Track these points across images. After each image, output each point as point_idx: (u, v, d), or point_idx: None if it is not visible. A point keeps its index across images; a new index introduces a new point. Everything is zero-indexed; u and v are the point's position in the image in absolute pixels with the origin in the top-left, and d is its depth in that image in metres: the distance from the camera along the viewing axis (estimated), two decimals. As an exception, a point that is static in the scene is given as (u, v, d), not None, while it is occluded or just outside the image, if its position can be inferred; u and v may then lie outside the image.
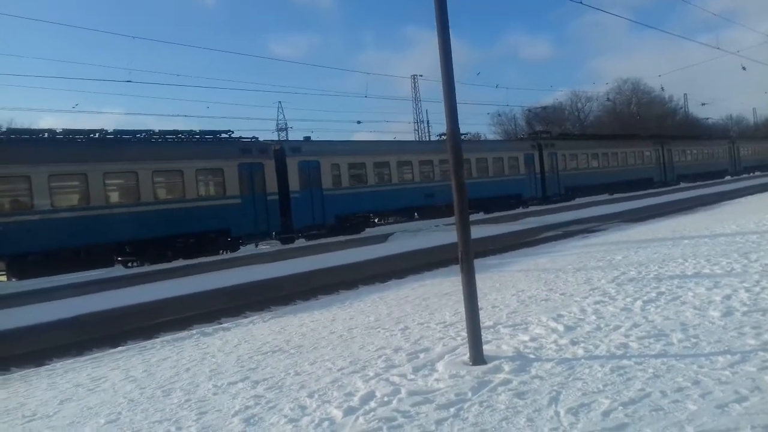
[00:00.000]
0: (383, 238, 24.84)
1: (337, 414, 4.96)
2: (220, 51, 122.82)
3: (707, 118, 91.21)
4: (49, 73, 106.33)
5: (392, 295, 11.40)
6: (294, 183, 25.32)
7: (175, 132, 23.70)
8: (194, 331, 10.26)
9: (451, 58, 6.06)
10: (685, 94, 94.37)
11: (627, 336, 6.30)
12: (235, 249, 23.38)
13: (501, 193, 34.83)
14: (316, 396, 5.51)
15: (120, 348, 9.85)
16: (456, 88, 6.13)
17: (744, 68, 45.00)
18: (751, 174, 63.92)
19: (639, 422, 4.15)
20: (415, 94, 70.79)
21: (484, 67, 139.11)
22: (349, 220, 27.71)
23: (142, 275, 17.89)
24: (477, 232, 13.12)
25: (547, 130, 46.71)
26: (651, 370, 5.15)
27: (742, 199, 29.17)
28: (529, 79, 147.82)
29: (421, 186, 30.81)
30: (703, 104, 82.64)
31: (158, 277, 17.50)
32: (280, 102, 72.19)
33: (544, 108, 47.12)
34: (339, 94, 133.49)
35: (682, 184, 50.62)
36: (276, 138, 66.65)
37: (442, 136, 33.84)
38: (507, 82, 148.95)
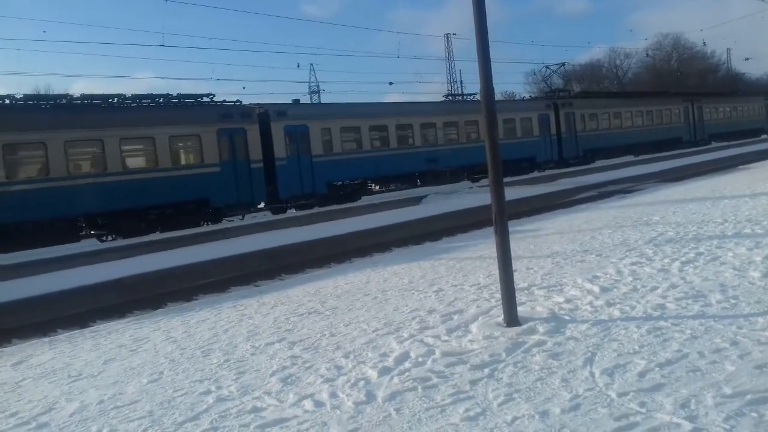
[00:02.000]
0: (417, 200, 24.80)
1: (372, 374, 5.03)
2: (252, 13, 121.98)
3: (743, 73, 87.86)
4: (82, 38, 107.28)
5: (426, 257, 11.43)
6: (280, 149, 23.85)
7: (151, 96, 22.40)
8: (232, 293, 10.46)
9: (485, 16, 5.94)
10: (728, 49, 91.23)
11: (664, 297, 6.23)
12: (217, 221, 22.19)
13: (513, 156, 31.92)
14: (352, 357, 5.59)
15: (160, 310, 10.10)
16: (489, 47, 6.02)
17: (790, 21, 43.36)
18: None
19: (675, 383, 4.12)
20: (449, 54, 69.83)
21: (519, 24, 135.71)
22: (343, 188, 26.43)
23: (172, 240, 18.17)
24: (511, 193, 13.03)
25: (566, 88, 44.08)
26: (688, 331, 5.10)
27: None
28: (566, 35, 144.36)
29: (423, 150, 29.22)
30: (746, 59, 79.64)
31: (191, 242, 17.78)
32: (311, 64, 71.69)
33: (561, 66, 44.00)
34: (371, 55, 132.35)
35: (714, 144, 48.43)
36: (309, 100, 66.61)
37: (449, 97, 33.41)
38: (543, 39, 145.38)
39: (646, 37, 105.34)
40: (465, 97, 33.65)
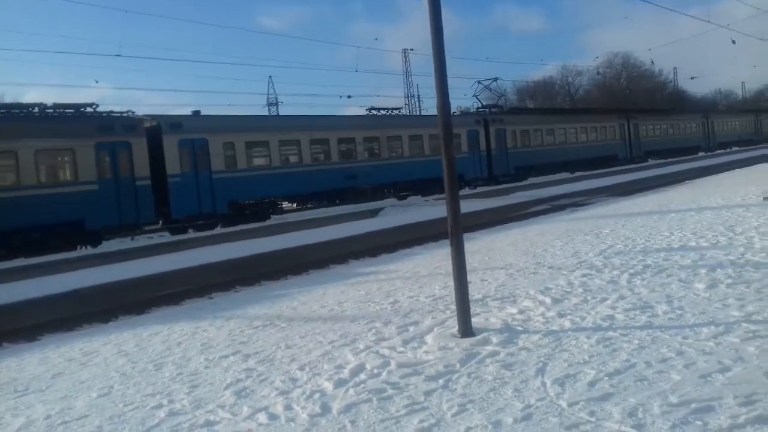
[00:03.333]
0: (374, 213, 24.86)
1: (327, 386, 5.03)
2: (211, 25, 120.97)
3: (685, 91, 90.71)
4: (39, 47, 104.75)
5: (382, 269, 11.47)
6: (173, 165, 21.78)
7: (19, 105, 20.50)
8: (186, 306, 10.31)
9: (442, 32, 6.04)
10: (674, 68, 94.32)
11: (613, 308, 6.39)
12: (96, 243, 19.86)
13: (438, 174, 30.99)
14: (307, 369, 5.58)
15: (111, 323, 9.88)
16: (446, 63, 6.13)
17: (734, 42, 45.19)
18: (728, 150, 60.54)
19: (624, 392, 4.23)
20: (406, 69, 70.57)
21: (474, 40, 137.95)
22: (249, 206, 24.48)
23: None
24: (466, 206, 13.18)
25: (497, 104, 42.21)
26: (636, 342, 5.25)
27: (720, 176, 28.48)
28: (520, 53, 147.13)
29: (341, 167, 27.44)
30: (692, 78, 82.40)
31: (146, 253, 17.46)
32: (270, 76, 71.54)
33: (493, 81, 42.33)
34: (330, 69, 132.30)
35: (651, 161, 48.29)
36: (268, 112, 66.08)
37: (372, 111, 31.74)
38: (498, 56, 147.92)
39: (597, 56, 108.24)
40: (390, 111, 32.41)
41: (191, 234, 22.10)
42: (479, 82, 42.44)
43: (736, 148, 61.46)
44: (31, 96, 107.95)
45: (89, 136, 19.85)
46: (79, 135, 19.71)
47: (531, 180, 36.23)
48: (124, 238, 20.90)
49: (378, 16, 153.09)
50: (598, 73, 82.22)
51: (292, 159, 26.22)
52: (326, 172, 26.93)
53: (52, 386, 6.12)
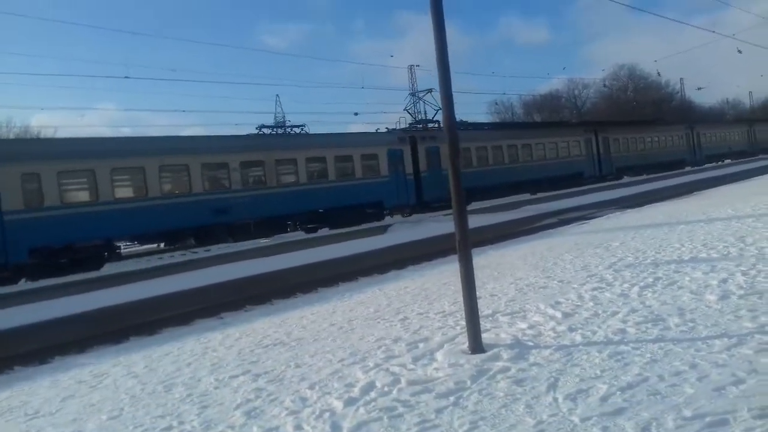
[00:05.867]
0: (383, 230, 24.86)
1: (337, 405, 5.00)
2: (216, 45, 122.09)
3: (692, 102, 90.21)
4: (47, 70, 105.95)
5: (391, 286, 11.44)
6: None
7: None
8: (196, 326, 10.31)
9: (446, 47, 6.07)
10: (681, 79, 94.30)
11: (624, 321, 6.34)
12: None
13: (348, 201, 26.77)
14: (317, 388, 5.55)
15: (122, 344, 9.89)
16: (452, 77, 6.15)
17: (740, 51, 45.04)
18: (718, 163, 56.66)
19: (636, 406, 4.19)
20: (412, 85, 70.74)
21: (479, 54, 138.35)
22: (66, 253, 19.38)
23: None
24: (474, 221, 13.16)
25: (432, 119, 36.47)
26: (648, 355, 5.19)
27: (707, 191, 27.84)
28: (526, 66, 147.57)
29: (207, 198, 22.65)
30: (699, 89, 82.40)
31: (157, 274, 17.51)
32: (277, 95, 71.87)
33: (428, 92, 37.44)
34: (335, 86, 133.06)
35: (626, 179, 43.80)
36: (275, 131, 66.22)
37: (262, 129, 28.32)
38: (503, 70, 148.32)
39: (603, 68, 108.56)
40: (289, 130, 28.79)
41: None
42: (412, 94, 38.34)
43: (729, 161, 58.14)
44: (39, 119, 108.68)
45: None
46: None
47: (476, 204, 31.25)
48: None
49: (379, 33, 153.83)
50: (604, 85, 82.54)
51: (133, 191, 21.22)
52: (184, 205, 22.02)
53: (63, 409, 6.12)
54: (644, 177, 44.18)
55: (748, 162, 53.91)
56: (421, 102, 37.87)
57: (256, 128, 28.43)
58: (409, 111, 37.17)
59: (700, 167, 51.97)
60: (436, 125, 34.92)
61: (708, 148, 57.78)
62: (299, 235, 25.57)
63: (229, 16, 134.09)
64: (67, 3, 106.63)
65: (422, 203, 30.58)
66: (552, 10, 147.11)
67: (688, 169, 51.23)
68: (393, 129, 34.47)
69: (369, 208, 27.80)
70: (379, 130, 33.52)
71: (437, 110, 37.23)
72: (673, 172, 46.78)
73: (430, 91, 37.57)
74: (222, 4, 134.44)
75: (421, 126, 34.39)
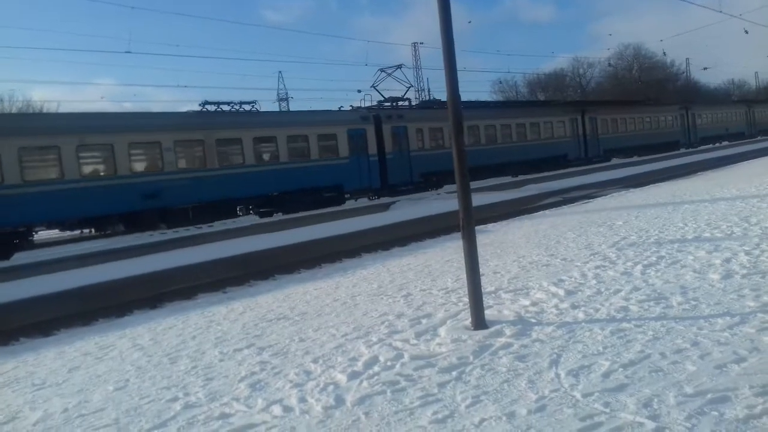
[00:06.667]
0: (385, 207, 24.84)
1: (341, 378, 5.05)
2: (218, 20, 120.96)
3: (698, 82, 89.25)
4: (47, 44, 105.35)
5: (395, 262, 11.48)
6: None
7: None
8: (199, 300, 10.38)
9: (451, 24, 6.02)
10: (687, 59, 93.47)
11: (627, 299, 6.36)
12: None
13: (309, 183, 25.04)
14: (321, 361, 5.60)
15: (126, 317, 9.96)
16: (456, 56, 6.11)
17: (746, 32, 44.64)
18: (716, 145, 54.17)
19: (638, 383, 4.22)
20: (416, 62, 70.29)
21: (484, 32, 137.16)
22: None
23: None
24: (477, 199, 13.16)
25: (405, 96, 32.85)
26: (651, 333, 5.22)
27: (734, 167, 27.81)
28: (531, 44, 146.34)
29: (135, 181, 20.59)
30: (704, 69, 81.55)
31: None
32: (280, 72, 71.53)
33: (397, 68, 33.53)
34: (339, 63, 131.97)
35: (615, 161, 41.94)
36: (278, 107, 65.74)
37: (205, 107, 25.11)
38: (508, 48, 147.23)
39: (608, 47, 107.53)
40: (237, 107, 25.38)
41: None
42: (381, 70, 34.12)
43: (726, 143, 55.54)
44: (37, 93, 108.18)
45: None
46: None
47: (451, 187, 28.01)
48: None
49: (384, 8, 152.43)
50: (609, 64, 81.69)
51: (48, 173, 19.01)
52: (109, 189, 19.94)
53: (69, 380, 6.18)
54: (632, 159, 42.49)
55: (744, 144, 52.00)
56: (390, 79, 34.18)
57: (199, 105, 24.93)
58: (377, 88, 33.13)
59: (695, 149, 49.96)
60: (406, 104, 32.77)
61: (703, 129, 55.57)
62: (253, 218, 23.92)
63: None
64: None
65: (388, 186, 28.50)
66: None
67: (682, 150, 49.66)
68: (358, 107, 31.87)
69: (327, 192, 25.95)
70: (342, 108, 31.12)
71: (408, 87, 34.53)
72: (665, 154, 44.60)
73: (399, 67, 34.10)
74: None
75: (389, 104, 31.39)
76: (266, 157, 24.50)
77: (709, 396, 3.88)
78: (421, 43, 73.81)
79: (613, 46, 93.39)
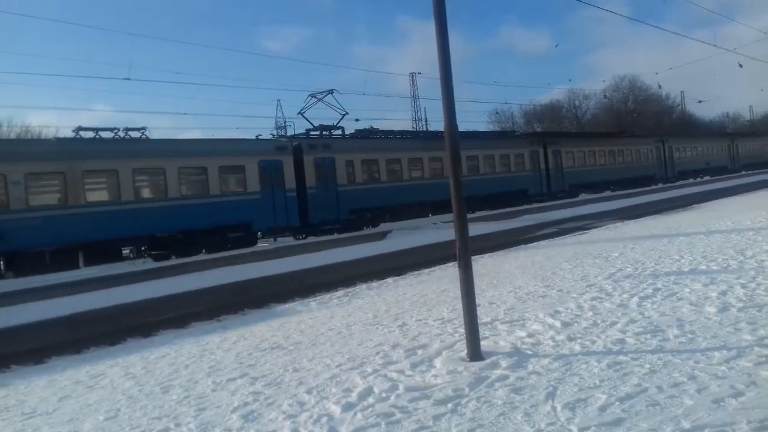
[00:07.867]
0: (382, 236, 24.80)
1: (335, 410, 4.99)
2: (217, 48, 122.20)
3: (693, 115, 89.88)
4: (47, 70, 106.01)
5: (390, 292, 11.43)
6: None
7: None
8: (192, 329, 10.30)
9: (449, 56, 6.08)
10: (682, 92, 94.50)
11: (623, 332, 6.33)
12: None
13: (203, 223, 21.66)
14: (315, 392, 5.54)
15: (119, 345, 9.87)
16: (454, 85, 6.17)
17: (741, 65, 45.12)
18: (696, 180, 51.70)
19: (635, 417, 4.18)
20: (414, 92, 70.78)
21: (481, 62, 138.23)
22: None
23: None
24: (474, 229, 13.15)
25: (338, 125, 29.33)
26: (647, 366, 5.19)
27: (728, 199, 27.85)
28: (527, 75, 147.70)
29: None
30: (699, 102, 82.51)
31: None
32: (278, 100, 71.86)
33: (328, 93, 30.53)
34: (337, 91, 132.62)
35: (583, 196, 39.75)
36: (276, 136, 65.72)
37: (79, 133, 21.17)
38: (505, 79, 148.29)
39: (604, 79, 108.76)
40: (123, 134, 21.86)
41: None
42: (312, 96, 30.95)
43: (708, 178, 52.85)
44: (34, 118, 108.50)
45: None
46: None
47: (385, 226, 27.26)
48: None
49: (381, 38, 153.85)
50: (605, 96, 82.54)
51: None
52: None
53: (59, 409, 6.10)
54: (605, 194, 40.65)
55: (722, 180, 49.64)
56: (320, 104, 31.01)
57: (72, 130, 21.38)
58: (304, 115, 30.40)
59: (672, 185, 47.69)
60: (340, 132, 29.17)
61: (682, 163, 53.05)
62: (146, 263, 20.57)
63: (230, 18, 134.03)
64: (69, 4, 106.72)
65: (308, 225, 25.35)
66: (553, 19, 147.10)
67: (660, 185, 47.08)
68: (281, 136, 29.28)
69: (233, 232, 22.73)
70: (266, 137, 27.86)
71: (343, 115, 30.80)
72: (636, 190, 41.85)
73: (330, 92, 30.77)
74: (222, 7, 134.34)
75: (317, 133, 28.14)
76: (149, 191, 21.13)
77: (706, 431, 3.84)
78: (419, 73, 74.34)
79: (609, 77, 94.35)
